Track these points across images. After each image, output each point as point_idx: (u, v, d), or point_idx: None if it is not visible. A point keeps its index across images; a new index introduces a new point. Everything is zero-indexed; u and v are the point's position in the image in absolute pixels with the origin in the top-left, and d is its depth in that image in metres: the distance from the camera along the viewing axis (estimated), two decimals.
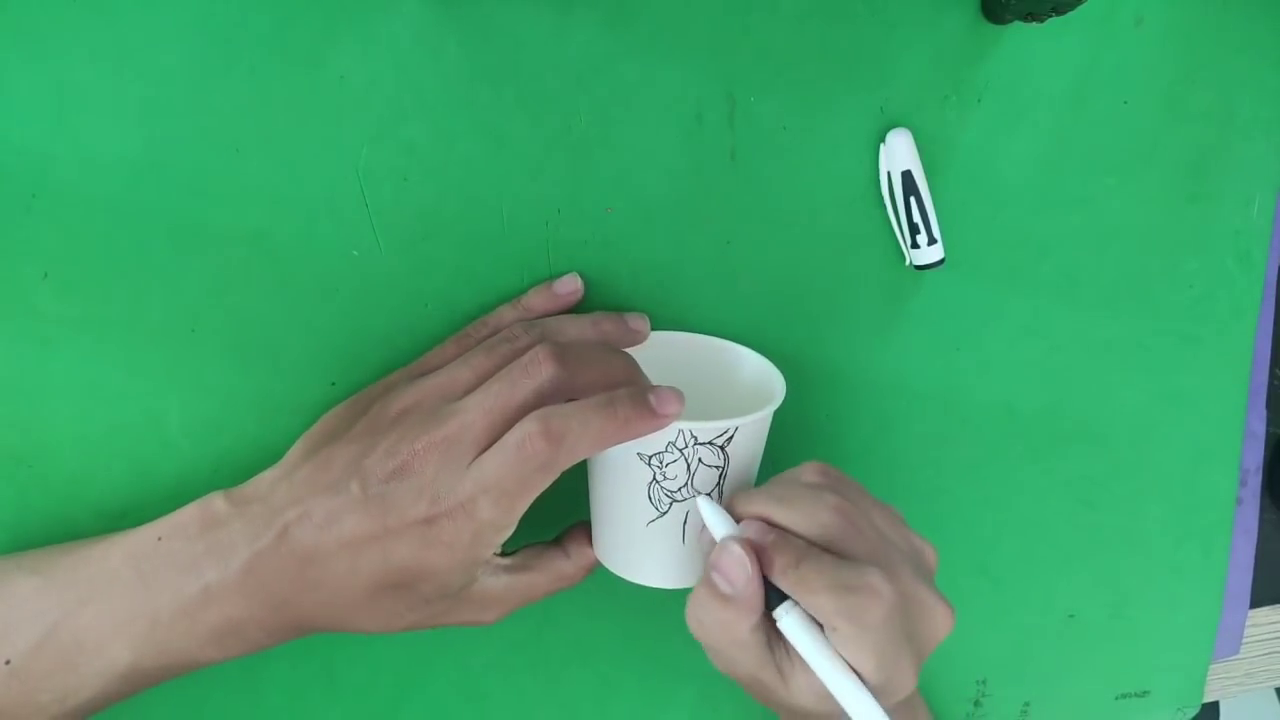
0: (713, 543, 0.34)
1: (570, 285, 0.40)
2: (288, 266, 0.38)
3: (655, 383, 0.35)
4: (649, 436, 0.33)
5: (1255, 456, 0.54)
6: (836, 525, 0.33)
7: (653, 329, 0.41)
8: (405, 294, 0.40)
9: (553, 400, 0.33)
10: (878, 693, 0.32)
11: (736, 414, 0.35)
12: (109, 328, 0.37)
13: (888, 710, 0.31)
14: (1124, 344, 0.50)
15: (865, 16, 0.42)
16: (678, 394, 0.33)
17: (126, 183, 0.36)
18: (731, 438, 0.35)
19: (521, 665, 0.45)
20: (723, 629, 0.33)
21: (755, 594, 0.32)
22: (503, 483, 0.32)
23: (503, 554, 0.37)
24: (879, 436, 0.47)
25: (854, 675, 0.31)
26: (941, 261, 0.44)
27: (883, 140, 0.43)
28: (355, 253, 0.39)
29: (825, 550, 0.33)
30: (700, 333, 0.43)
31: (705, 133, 0.41)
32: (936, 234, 0.44)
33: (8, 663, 0.32)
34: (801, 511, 0.34)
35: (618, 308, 0.42)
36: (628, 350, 0.40)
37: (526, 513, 0.33)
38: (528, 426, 0.32)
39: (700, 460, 0.35)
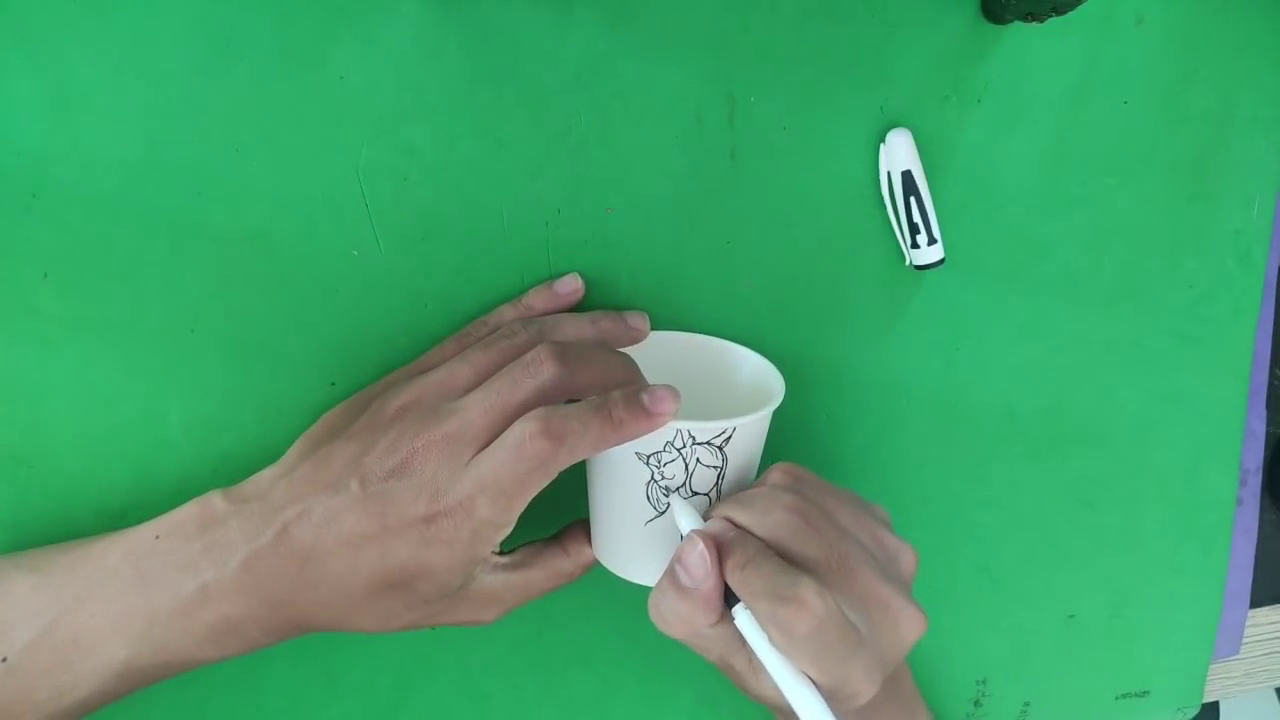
0: None
1: (571, 285, 0.40)
2: (288, 266, 0.38)
3: (654, 383, 0.35)
4: (647, 436, 0.33)
5: (1255, 456, 0.54)
6: (789, 524, 0.33)
7: (653, 329, 0.41)
8: (405, 294, 0.40)
9: (553, 400, 0.33)
10: (831, 696, 0.31)
11: (735, 414, 0.35)
12: (109, 328, 0.37)
13: (839, 714, 0.31)
14: (1124, 344, 0.50)
15: (865, 16, 0.42)
16: (673, 392, 0.33)
17: (126, 183, 0.36)
18: (730, 438, 0.35)
19: (521, 665, 0.45)
20: (681, 621, 0.33)
21: (714, 589, 0.32)
22: (501, 481, 0.32)
23: (501, 552, 0.37)
24: (879, 436, 0.47)
25: (804, 677, 0.31)
26: (941, 261, 0.44)
27: (883, 140, 0.43)
28: (355, 253, 0.39)
29: (781, 553, 0.33)
30: (700, 333, 0.43)
31: (705, 133, 0.41)
32: (936, 234, 0.44)
33: (4, 660, 0.32)
34: (757, 511, 0.34)
35: (618, 307, 0.42)
36: (627, 349, 0.40)
37: (525, 511, 0.33)
38: (527, 426, 0.32)
39: (698, 460, 0.35)
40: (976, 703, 0.52)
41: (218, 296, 0.38)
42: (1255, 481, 0.55)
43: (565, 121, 0.40)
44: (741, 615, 0.32)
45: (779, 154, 0.43)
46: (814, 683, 0.31)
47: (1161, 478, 0.52)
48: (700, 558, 0.32)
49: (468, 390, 0.35)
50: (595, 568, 0.39)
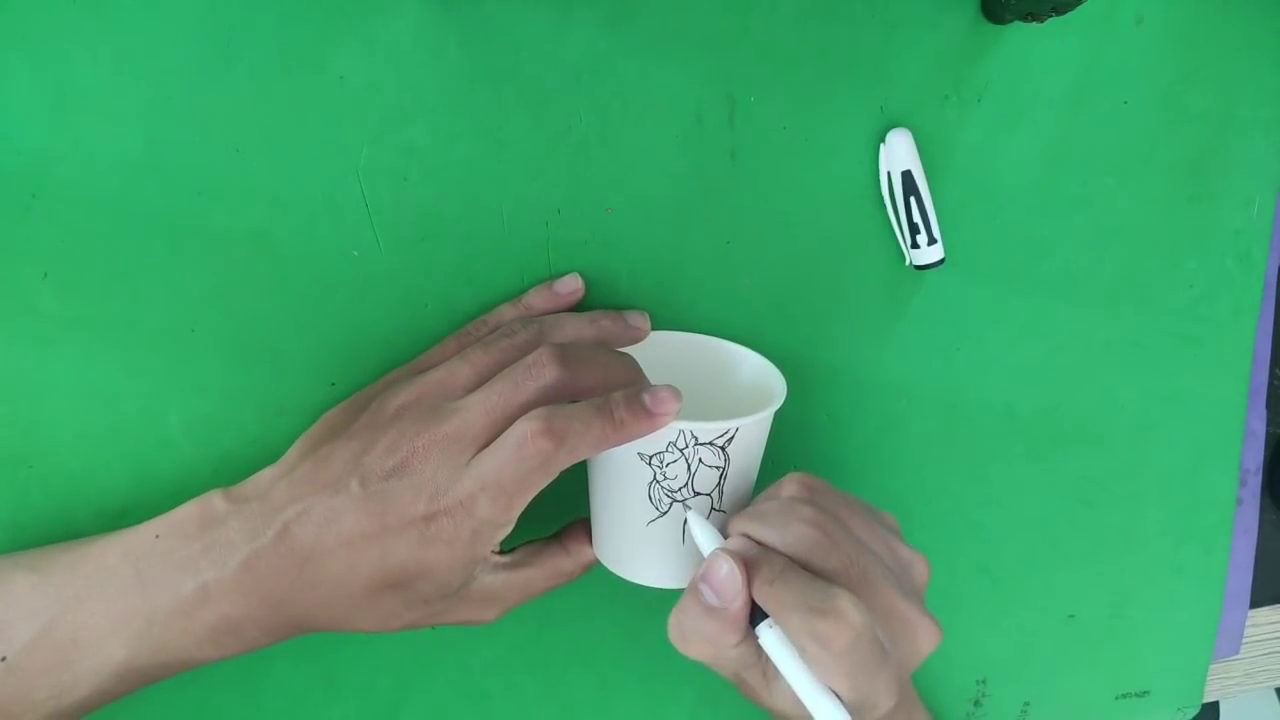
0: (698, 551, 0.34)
1: (571, 285, 0.40)
2: (288, 266, 0.38)
3: (655, 383, 0.35)
4: (649, 436, 0.33)
5: (1255, 456, 0.54)
6: (810, 538, 0.33)
7: (653, 329, 0.41)
8: (405, 294, 0.40)
9: (554, 401, 0.33)
10: (854, 710, 0.31)
11: (737, 414, 0.35)
12: (109, 328, 0.37)
13: None
14: (1124, 344, 0.50)
15: (865, 16, 0.42)
16: (675, 393, 0.33)
17: (126, 183, 0.36)
18: (732, 438, 0.35)
19: (521, 665, 0.45)
20: (707, 643, 0.33)
21: (743, 608, 0.32)
22: (502, 481, 0.32)
23: (501, 551, 0.37)
24: (879, 436, 0.47)
25: (831, 695, 0.31)
26: (941, 261, 0.44)
27: (883, 140, 0.43)
28: (355, 253, 0.39)
29: (803, 567, 0.32)
30: (700, 333, 0.43)
31: (705, 133, 0.41)
32: (936, 234, 0.44)
33: (3, 659, 0.32)
34: (776, 526, 0.33)
35: (618, 307, 0.42)
36: (628, 349, 0.40)
37: (525, 510, 0.33)
38: (528, 425, 0.32)
39: (701, 460, 0.35)
40: (976, 703, 0.52)
41: (218, 296, 0.38)
42: (1255, 481, 0.55)
43: (565, 121, 0.40)
44: (767, 634, 0.32)
45: (779, 154, 0.43)
46: (839, 699, 0.31)
47: (1161, 478, 0.52)
48: (731, 576, 0.32)
49: (468, 390, 0.35)
50: (596, 567, 0.39)
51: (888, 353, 0.46)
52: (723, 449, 0.35)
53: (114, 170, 0.36)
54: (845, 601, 0.30)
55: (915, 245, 0.44)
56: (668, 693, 0.47)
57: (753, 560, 0.32)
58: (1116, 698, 0.55)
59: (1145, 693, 0.55)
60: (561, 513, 0.40)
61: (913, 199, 0.43)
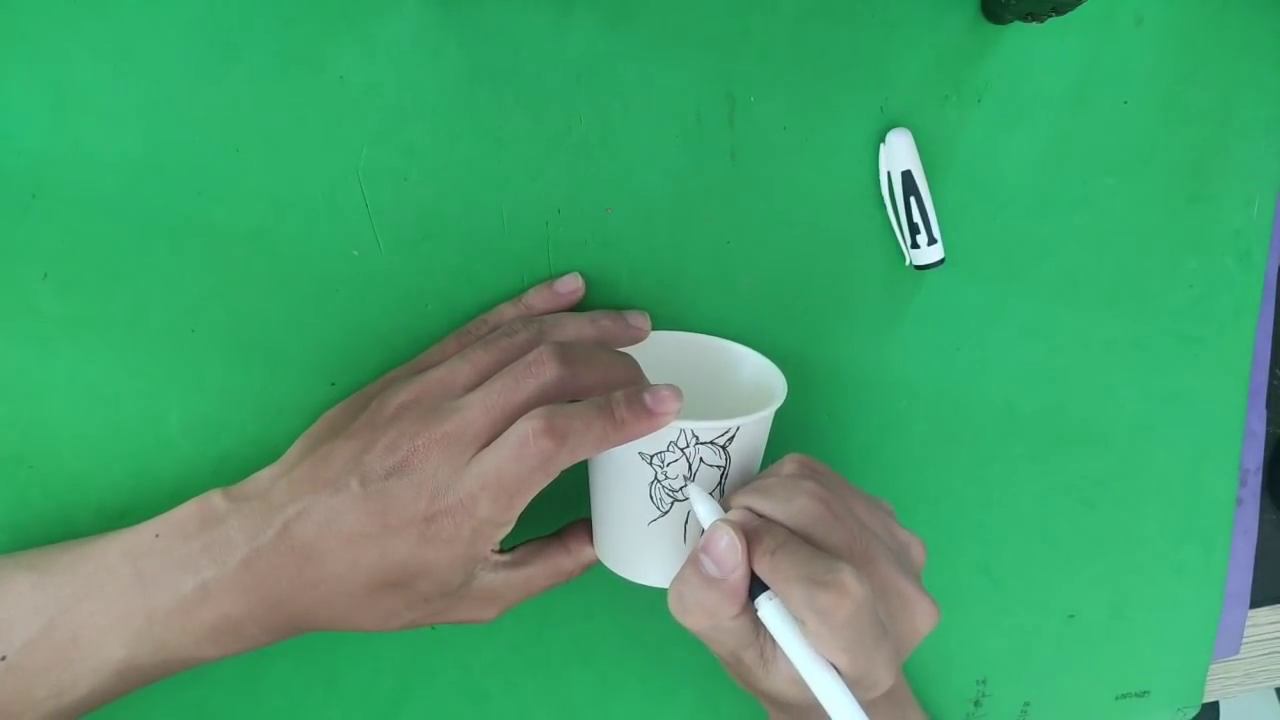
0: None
1: (571, 285, 0.40)
2: (288, 266, 0.38)
3: (655, 382, 0.35)
4: (650, 436, 0.33)
5: (1255, 456, 0.54)
6: (814, 511, 0.33)
7: (653, 329, 0.41)
8: (405, 294, 0.40)
9: (555, 400, 0.33)
10: (854, 685, 0.31)
11: (737, 414, 0.35)
12: (109, 328, 0.37)
13: (864, 704, 0.31)
14: (1124, 344, 0.50)
15: (865, 16, 0.42)
16: (676, 392, 0.33)
17: (126, 183, 0.36)
18: (733, 437, 0.35)
19: (521, 665, 0.45)
20: (705, 613, 0.33)
21: (742, 579, 0.32)
22: (503, 480, 0.32)
23: (501, 550, 0.37)
24: (879, 436, 0.47)
25: (831, 669, 0.31)
26: (941, 261, 0.44)
27: (883, 140, 0.43)
28: (355, 253, 0.39)
29: (805, 540, 0.33)
30: (701, 332, 0.43)
31: (705, 133, 0.41)
32: (936, 234, 0.44)
33: (3, 658, 0.32)
34: (780, 499, 0.33)
35: (618, 307, 0.42)
36: (628, 348, 0.40)
37: (526, 509, 0.33)
38: (529, 424, 0.32)
39: (702, 460, 0.35)
40: (976, 703, 0.52)
41: (218, 296, 0.38)
42: (1255, 481, 0.55)
43: (565, 121, 0.40)
44: (767, 605, 0.32)
45: (779, 154, 0.43)
46: (839, 673, 0.31)
47: (1161, 478, 0.52)
48: (731, 547, 0.32)
49: (468, 389, 0.35)
50: (596, 566, 0.39)
51: (888, 352, 0.46)
52: (724, 448, 0.35)
53: (114, 170, 0.36)
54: (847, 574, 0.30)
55: (915, 245, 0.44)
56: (668, 693, 0.47)
57: (754, 532, 0.32)
58: (1116, 698, 0.55)
59: (1145, 693, 0.55)
60: (562, 512, 0.40)
61: (913, 199, 0.43)
